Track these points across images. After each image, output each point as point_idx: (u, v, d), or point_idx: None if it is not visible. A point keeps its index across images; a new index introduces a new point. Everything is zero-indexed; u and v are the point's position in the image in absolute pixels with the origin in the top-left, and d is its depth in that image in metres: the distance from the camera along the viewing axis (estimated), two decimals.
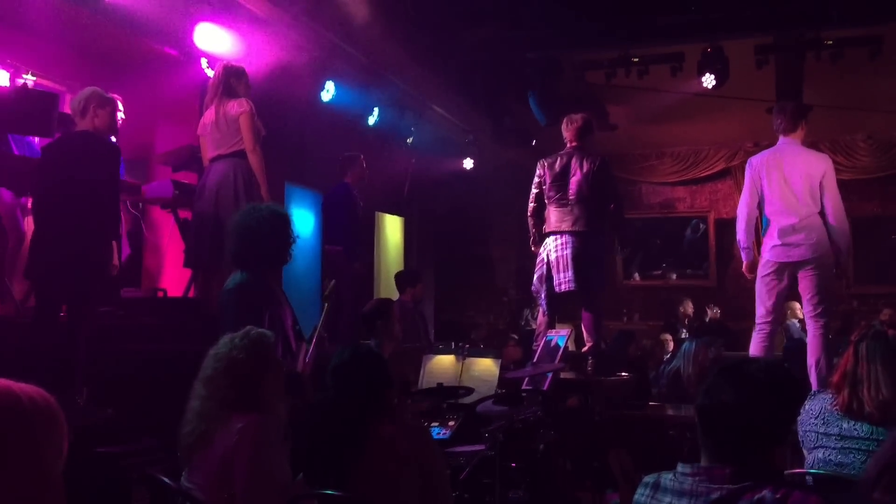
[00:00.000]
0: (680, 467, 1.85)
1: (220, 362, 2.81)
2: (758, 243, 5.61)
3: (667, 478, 1.91)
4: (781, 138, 5.37)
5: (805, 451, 3.82)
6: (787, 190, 5.21)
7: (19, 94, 5.33)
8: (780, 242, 5.22)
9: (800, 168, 5.23)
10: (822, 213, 5.20)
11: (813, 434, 3.68)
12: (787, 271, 5.25)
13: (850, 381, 3.00)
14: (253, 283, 3.69)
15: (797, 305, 7.06)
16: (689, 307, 10.81)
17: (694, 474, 1.81)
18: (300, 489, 2.75)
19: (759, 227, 5.52)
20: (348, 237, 7.05)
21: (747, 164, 5.48)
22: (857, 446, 2.91)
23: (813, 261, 5.14)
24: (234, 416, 2.74)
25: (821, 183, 5.18)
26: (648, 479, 1.97)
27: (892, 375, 2.88)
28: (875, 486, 1.39)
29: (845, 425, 2.95)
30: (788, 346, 7.74)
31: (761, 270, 5.35)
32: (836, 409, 3.02)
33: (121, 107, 6.09)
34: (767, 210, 5.34)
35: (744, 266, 5.54)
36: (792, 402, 1.85)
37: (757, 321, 5.39)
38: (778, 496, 1.67)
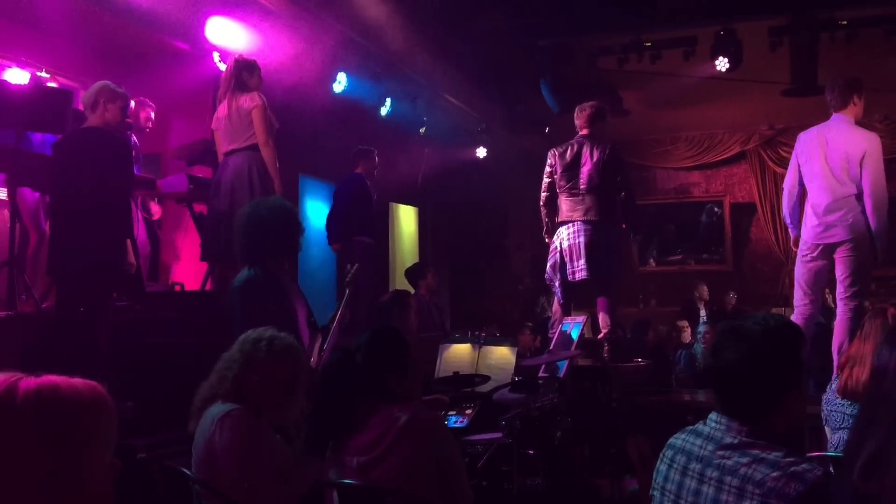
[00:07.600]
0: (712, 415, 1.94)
1: (239, 358, 2.79)
2: None
3: (680, 436, 2.01)
4: (833, 115, 5.22)
5: (829, 431, 3.79)
6: (826, 168, 5.08)
7: (35, 92, 5.36)
8: (817, 222, 5.10)
9: (840, 146, 5.08)
10: (860, 195, 5.05)
11: (838, 414, 3.65)
12: (825, 252, 5.12)
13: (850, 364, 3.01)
14: (260, 277, 3.67)
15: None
16: (704, 291, 10.75)
17: (717, 422, 1.90)
18: (315, 474, 2.75)
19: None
20: (371, 225, 7.13)
21: (797, 139, 5.39)
22: None
23: (849, 241, 5.01)
24: (215, 404, 2.72)
25: (861, 162, 5.02)
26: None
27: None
28: (853, 470, 1.39)
29: None
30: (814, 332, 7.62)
31: (800, 251, 5.25)
32: None
33: (135, 104, 6.12)
34: (808, 187, 5.23)
35: (791, 241, 5.48)
36: (790, 345, 1.87)
37: (795, 304, 5.31)
38: (785, 461, 1.72)
